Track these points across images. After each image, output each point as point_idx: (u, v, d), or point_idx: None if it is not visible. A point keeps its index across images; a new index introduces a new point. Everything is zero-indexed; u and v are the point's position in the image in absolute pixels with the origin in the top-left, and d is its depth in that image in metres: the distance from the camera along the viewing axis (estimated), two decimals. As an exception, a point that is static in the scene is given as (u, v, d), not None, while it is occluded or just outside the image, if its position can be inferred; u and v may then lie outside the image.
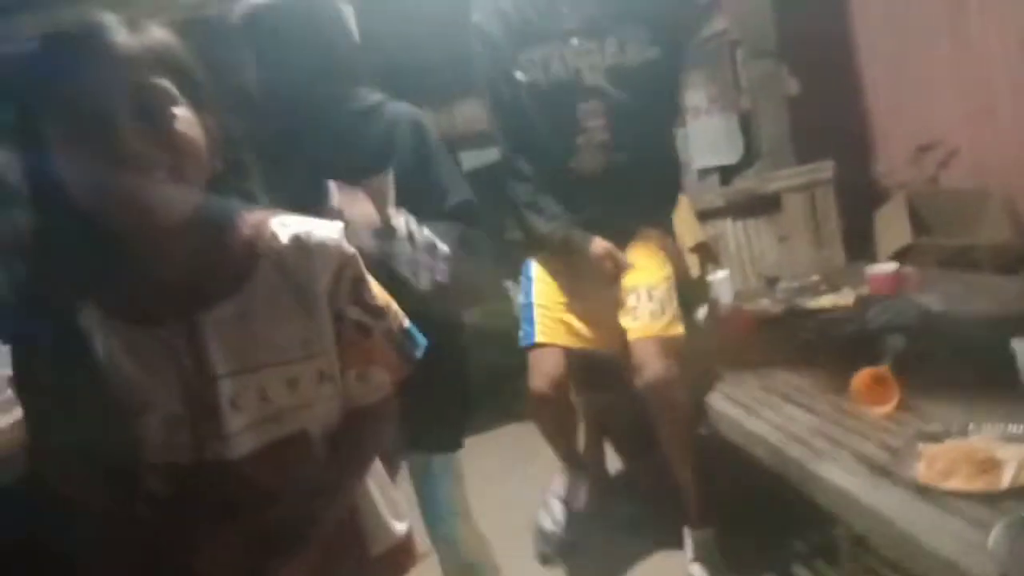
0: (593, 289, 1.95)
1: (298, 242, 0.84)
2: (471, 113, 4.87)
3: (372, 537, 0.95)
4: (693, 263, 2.81)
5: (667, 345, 1.80)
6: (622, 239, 1.95)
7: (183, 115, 0.77)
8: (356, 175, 1.28)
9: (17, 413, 1.47)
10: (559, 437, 2.12)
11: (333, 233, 0.86)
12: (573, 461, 2.18)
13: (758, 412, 1.67)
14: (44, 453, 0.83)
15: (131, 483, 0.81)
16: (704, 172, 3.78)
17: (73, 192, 0.74)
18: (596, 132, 1.89)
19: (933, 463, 1.23)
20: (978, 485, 1.15)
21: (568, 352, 1.93)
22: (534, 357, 1.94)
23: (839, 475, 1.32)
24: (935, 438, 1.31)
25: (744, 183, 3.31)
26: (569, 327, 1.96)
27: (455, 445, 1.50)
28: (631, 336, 1.84)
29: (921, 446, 1.29)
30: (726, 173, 3.60)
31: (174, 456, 0.81)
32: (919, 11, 2.86)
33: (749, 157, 3.37)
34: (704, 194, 3.37)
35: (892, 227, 2.80)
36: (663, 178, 2.06)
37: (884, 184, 3.17)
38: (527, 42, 1.87)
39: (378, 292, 0.92)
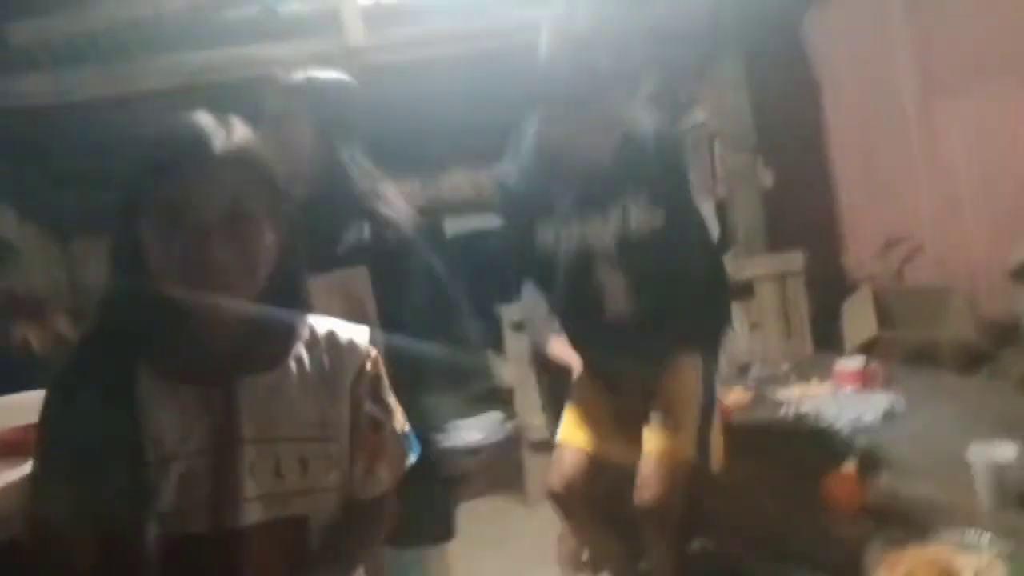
0: (625, 401, 1.96)
1: (331, 337, 0.95)
2: (456, 181, 5.00)
3: None
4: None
5: (673, 468, 1.79)
6: (655, 372, 1.93)
7: (261, 228, 0.87)
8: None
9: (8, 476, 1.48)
10: (571, 535, 2.15)
11: (361, 334, 0.98)
12: (572, 562, 2.20)
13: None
14: (59, 498, 0.86)
15: (138, 537, 0.83)
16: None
17: (152, 273, 0.84)
18: (618, 295, 1.87)
19: (894, 569, 1.27)
20: (937, 596, 1.19)
21: (589, 455, 1.92)
22: (555, 454, 1.97)
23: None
24: (898, 543, 1.35)
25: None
26: (596, 431, 1.96)
27: (448, 535, 1.49)
28: (643, 451, 1.84)
29: (883, 551, 1.33)
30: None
31: (184, 516, 0.84)
32: (889, 110, 3.02)
33: (723, 244, 3.48)
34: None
35: (858, 319, 2.89)
36: (700, 311, 1.95)
37: (852, 276, 3.28)
38: (541, 212, 1.88)
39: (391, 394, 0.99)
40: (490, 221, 5.27)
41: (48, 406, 0.90)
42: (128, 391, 0.85)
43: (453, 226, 5.13)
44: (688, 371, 1.90)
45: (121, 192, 0.87)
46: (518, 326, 3.29)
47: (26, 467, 1.59)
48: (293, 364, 0.91)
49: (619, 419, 1.96)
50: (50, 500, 0.87)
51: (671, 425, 1.83)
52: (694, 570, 1.91)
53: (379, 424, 0.97)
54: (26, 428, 1.68)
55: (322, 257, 1.31)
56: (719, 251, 2.09)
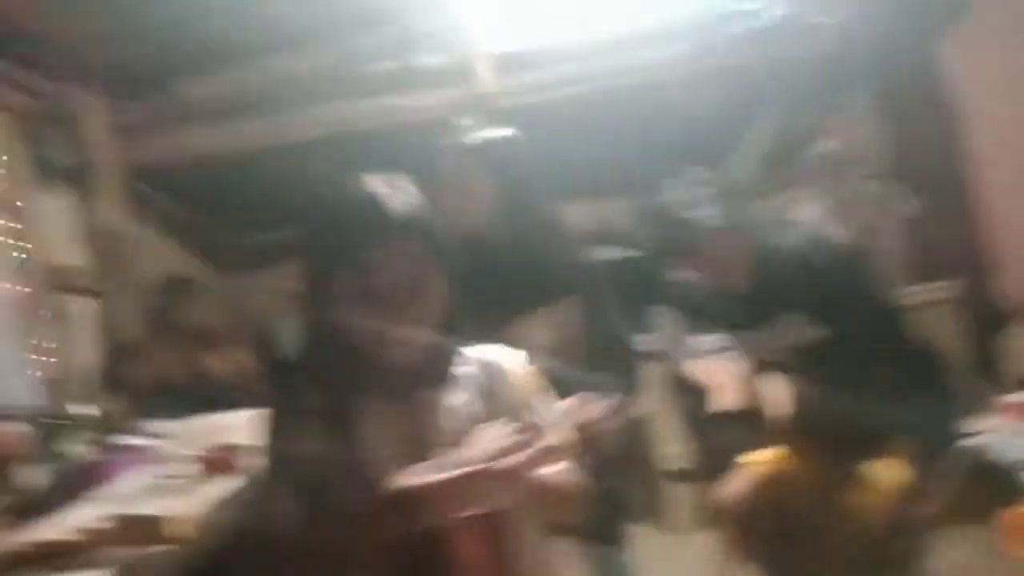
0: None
1: (493, 360, 1.10)
2: (580, 215, 5.10)
3: None
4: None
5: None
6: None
7: (437, 282, 1.01)
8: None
9: (212, 495, 1.67)
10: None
11: (518, 356, 1.12)
12: None
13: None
14: (285, 502, 0.97)
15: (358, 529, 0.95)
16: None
17: (342, 325, 0.99)
18: None
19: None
20: None
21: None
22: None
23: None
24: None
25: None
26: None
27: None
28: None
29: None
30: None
31: None
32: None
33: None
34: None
35: (1018, 351, 2.74)
36: None
37: (1006, 306, 3.10)
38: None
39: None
40: (613, 253, 5.36)
41: (273, 423, 1.04)
42: (343, 411, 1.00)
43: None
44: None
45: (314, 256, 1.04)
46: (652, 355, 3.30)
47: (230, 483, 1.79)
48: (460, 387, 1.05)
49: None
50: (279, 504, 0.99)
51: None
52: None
53: (538, 430, 1.04)
54: (227, 448, 1.89)
55: (533, 296, 1.47)
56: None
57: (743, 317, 1.84)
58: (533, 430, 1.02)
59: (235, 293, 4.38)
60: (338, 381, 1.02)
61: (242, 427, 2.08)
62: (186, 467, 1.87)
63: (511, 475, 0.90)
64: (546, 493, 1.00)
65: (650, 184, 5.22)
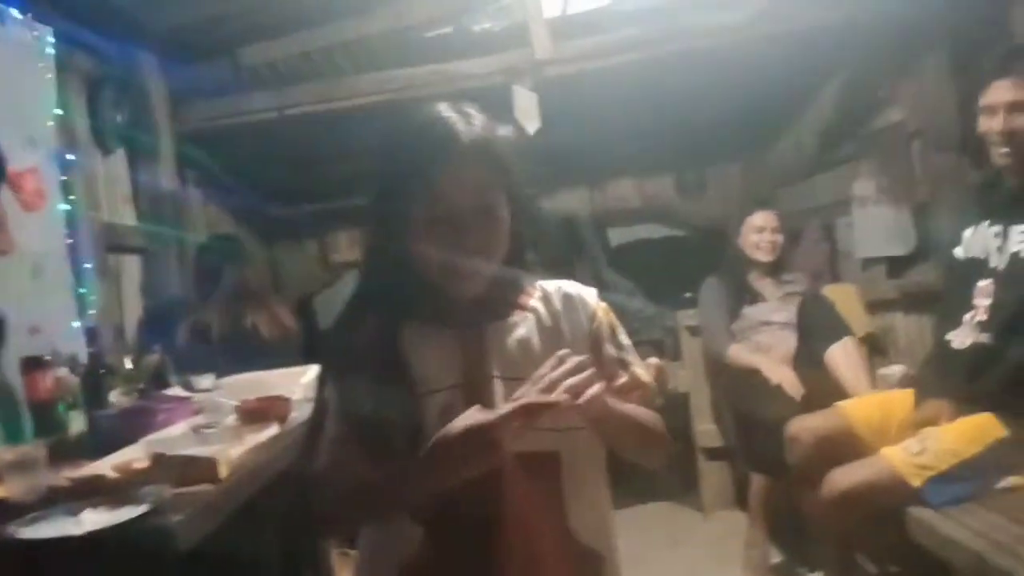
0: None
1: (562, 291, 1.06)
2: (622, 191, 5.01)
3: None
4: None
5: None
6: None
7: (505, 213, 0.97)
8: None
9: (249, 442, 1.68)
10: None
11: (590, 291, 1.08)
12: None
13: (956, 517, 1.57)
14: (352, 425, 0.95)
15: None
16: (869, 262, 3.67)
17: (411, 254, 0.95)
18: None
19: None
20: None
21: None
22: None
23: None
24: None
25: (918, 276, 3.19)
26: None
27: None
28: None
29: None
30: (894, 265, 3.47)
31: None
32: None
33: (925, 251, 3.25)
34: (877, 285, 3.27)
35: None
36: None
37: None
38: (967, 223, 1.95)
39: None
40: (656, 231, 5.25)
41: (332, 344, 1.03)
42: (393, 339, 0.97)
43: (618, 235, 5.13)
44: None
45: (384, 180, 0.99)
46: (694, 330, 3.23)
47: (268, 431, 1.79)
48: (530, 314, 1.01)
49: None
50: (340, 423, 0.97)
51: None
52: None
53: (625, 363, 1.04)
54: (267, 399, 1.90)
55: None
56: None
57: None
58: (616, 365, 1.03)
59: (280, 260, 4.43)
60: (399, 311, 0.99)
61: (285, 383, 2.10)
62: (228, 417, 1.88)
63: (577, 405, 0.85)
64: (625, 425, 0.96)
65: (701, 160, 5.09)
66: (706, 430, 3.23)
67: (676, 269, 4.23)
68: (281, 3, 3.11)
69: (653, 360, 2.79)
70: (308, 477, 0.98)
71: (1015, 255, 1.76)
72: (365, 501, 0.95)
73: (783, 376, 2.62)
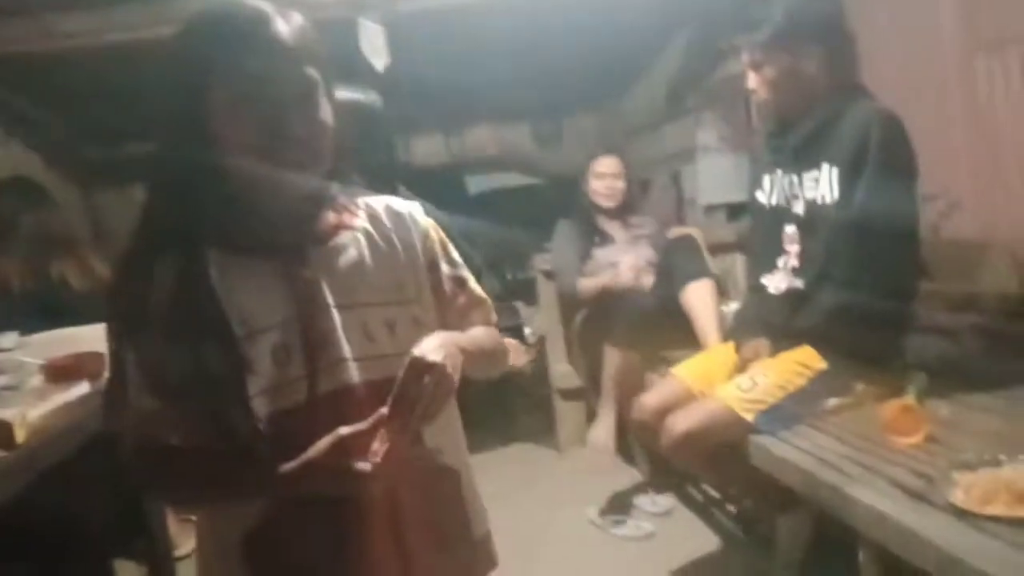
0: None
1: (390, 209, 0.98)
2: (480, 139, 4.95)
3: (475, 520, 1.00)
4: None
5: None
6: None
7: (325, 104, 0.85)
8: None
9: (55, 402, 1.49)
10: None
11: (417, 207, 1.01)
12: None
13: (788, 439, 1.68)
14: (160, 391, 0.82)
15: (242, 420, 0.81)
16: (711, 208, 3.86)
17: (222, 145, 0.81)
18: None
19: (970, 490, 1.24)
20: (1020, 512, 1.16)
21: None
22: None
23: (874, 498, 1.32)
24: (969, 466, 1.32)
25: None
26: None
27: None
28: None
29: (956, 474, 1.30)
30: (734, 210, 3.67)
31: (285, 386, 0.83)
32: (929, 63, 2.95)
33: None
34: (716, 229, 3.43)
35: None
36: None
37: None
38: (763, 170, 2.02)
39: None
40: (513, 179, 5.25)
41: (121, 287, 0.86)
42: (201, 275, 0.82)
43: (476, 184, 5.09)
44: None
45: (186, 65, 0.83)
46: (548, 274, 3.28)
47: (78, 389, 1.60)
48: (359, 235, 0.92)
49: None
50: (144, 391, 0.83)
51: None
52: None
53: (462, 280, 1.01)
54: (77, 356, 1.70)
55: None
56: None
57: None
58: (453, 283, 0.99)
59: (101, 206, 4.00)
60: (202, 239, 0.83)
61: (100, 338, 1.88)
62: (33, 377, 1.68)
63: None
64: (474, 362, 0.90)
65: (558, 110, 5.09)
66: (562, 371, 3.30)
67: (534, 217, 4.26)
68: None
69: (513, 341, 2.84)
70: (120, 455, 0.85)
71: (811, 202, 1.86)
72: (191, 489, 0.86)
73: (628, 274, 2.89)
